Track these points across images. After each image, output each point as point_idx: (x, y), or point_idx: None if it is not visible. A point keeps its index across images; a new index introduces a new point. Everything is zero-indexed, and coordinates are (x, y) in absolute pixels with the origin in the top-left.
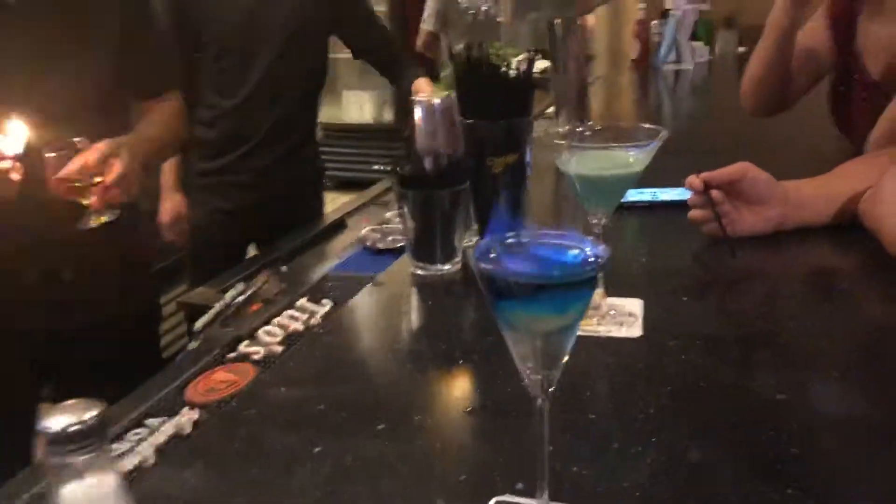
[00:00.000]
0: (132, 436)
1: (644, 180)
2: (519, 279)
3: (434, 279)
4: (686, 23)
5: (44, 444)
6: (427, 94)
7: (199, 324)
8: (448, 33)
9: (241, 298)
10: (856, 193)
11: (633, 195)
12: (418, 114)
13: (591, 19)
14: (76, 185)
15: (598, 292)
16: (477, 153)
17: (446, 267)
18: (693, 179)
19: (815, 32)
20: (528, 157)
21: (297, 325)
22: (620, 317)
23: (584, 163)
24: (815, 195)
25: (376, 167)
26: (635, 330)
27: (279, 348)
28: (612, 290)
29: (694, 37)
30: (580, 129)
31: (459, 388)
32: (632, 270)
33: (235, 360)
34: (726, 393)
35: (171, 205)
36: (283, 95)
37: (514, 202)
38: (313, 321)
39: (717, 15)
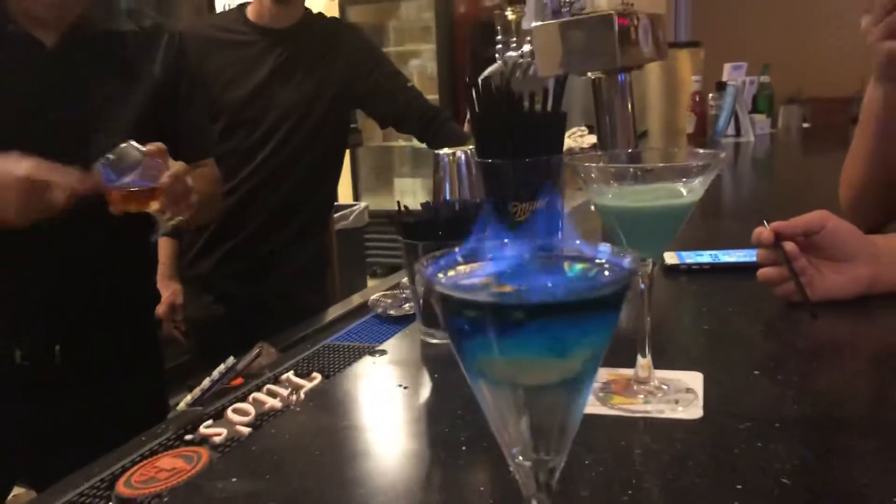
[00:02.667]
0: None
1: (704, 244)
2: (495, 300)
3: (446, 349)
4: (745, 95)
5: None
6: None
7: (181, 405)
8: None
9: (230, 374)
10: None
11: (692, 257)
12: (441, 166)
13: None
14: (133, 190)
15: (645, 363)
16: (498, 199)
17: None
18: (762, 231)
19: None
20: (559, 203)
21: (275, 403)
22: (675, 393)
23: (623, 194)
24: None
25: None
26: (695, 410)
27: (247, 430)
28: (667, 363)
29: (754, 109)
30: (617, 153)
31: (458, 484)
32: (691, 341)
33: (192, 443)
34: (816, 493)
35: (167, 294)
36: (288, 177)
37: None
38: (294, 396)
39: (779, 87)
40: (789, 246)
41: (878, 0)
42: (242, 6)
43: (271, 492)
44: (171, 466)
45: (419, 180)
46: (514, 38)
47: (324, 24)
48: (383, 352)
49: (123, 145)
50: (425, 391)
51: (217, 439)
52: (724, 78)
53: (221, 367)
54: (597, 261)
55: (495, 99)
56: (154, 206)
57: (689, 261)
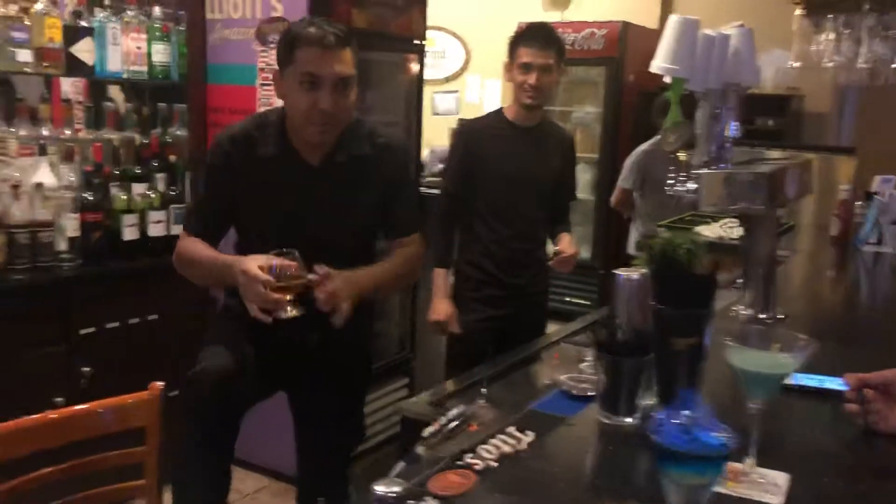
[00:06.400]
0: None
1: (817, 367)
2: (674, 451)
3: (615, 428)
4: (892, 207)
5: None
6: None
7: (426, 432)
8: (644, 193)
9: (460, 419)
10: None
11: (802, 379)
12: (618, 284)
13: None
14: (281, 284)
15: (750, 462)
16: (663, 331)
17: (627, 420)
18: (850, 377)
19: None
20: (706, 341)
21: (508, 449)
22: (767, 485)
23: (745, 359)
24: None
25: (567, 299)
26: (776, 498)
27: (494, 464)
28: (765, 462)
29: None
30: (747, 328)
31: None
32: (786, 447)
33: (462, 466)
34: None
35: (443, 307)
36: (532, 232)
37: (691, 376)
38: (520, 447)
39: None
40: (869, 392)
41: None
42: (500, 109)
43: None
44: (456, 481)
45: (579, 228)
46: (684, 174)
47: (552, 124)
48: (572, 423)
49: (289, 251)
50: (602, 456)
51: (477, 467)
52: (874, 188)
53: (455, 410)
54: (721, 433)
55: (672, 266)
56: (284, 298)
57: (800, 382)
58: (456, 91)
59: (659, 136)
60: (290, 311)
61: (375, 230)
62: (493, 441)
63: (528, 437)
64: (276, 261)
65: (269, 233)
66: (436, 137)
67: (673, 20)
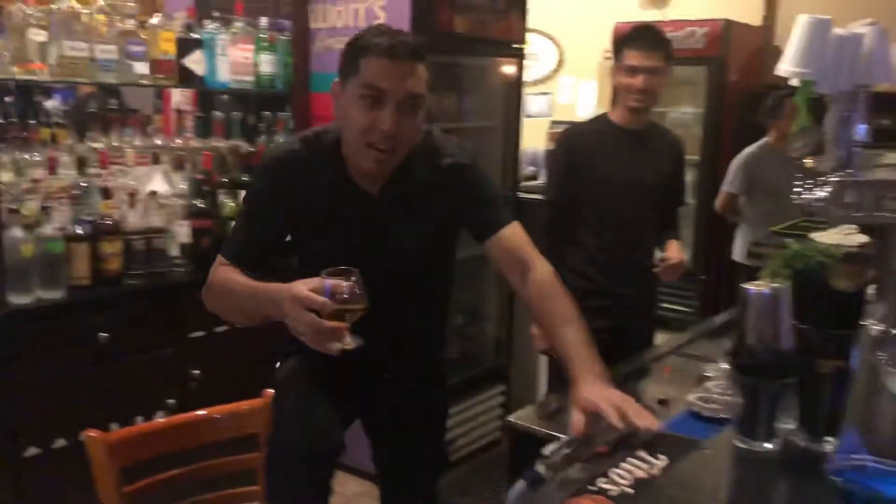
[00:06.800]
0: None
1: None
2: (874, 497)
3: (753, 454)
4: None
5: None
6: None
7: (547, 450)
8: (751, 197)
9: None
10: None
11: None
12: (749, 299)
13: None
14: (337, 308)
15: None
16: (806, 353)
17: (766, 445)
18: None
19: None
20: (853, 363)
21: (642, 474)
22: None
23: None
24: None
25: (667, 306)
26: None
27: (630, 490)
28: None
29: None
30: None
31: None
32: None
33: (595, 492)
34: None
35: None
36: (641, 238)
37: (837, 402)
38: (654, 472)
39: None
40: None
41: None
42: (605, 114)
43: None
44: None
45: (685, 231)
46: (810, 182)
47: (659, 127)
48: (706, 448)
49: (346, 269)
50: (739, 484)
51: (612, 493)
52: None
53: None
54: None
55: (814, 281)
56: (343, 326)
57: None
58: (549, 93)
59: (766, 139)
60: (349, 343)
61: (452, 242)
62: (624, 464)
63: (662, 461)
64: (329, 282)
65: (325, 264)
66: (527, 140)
67: (803, 20)
